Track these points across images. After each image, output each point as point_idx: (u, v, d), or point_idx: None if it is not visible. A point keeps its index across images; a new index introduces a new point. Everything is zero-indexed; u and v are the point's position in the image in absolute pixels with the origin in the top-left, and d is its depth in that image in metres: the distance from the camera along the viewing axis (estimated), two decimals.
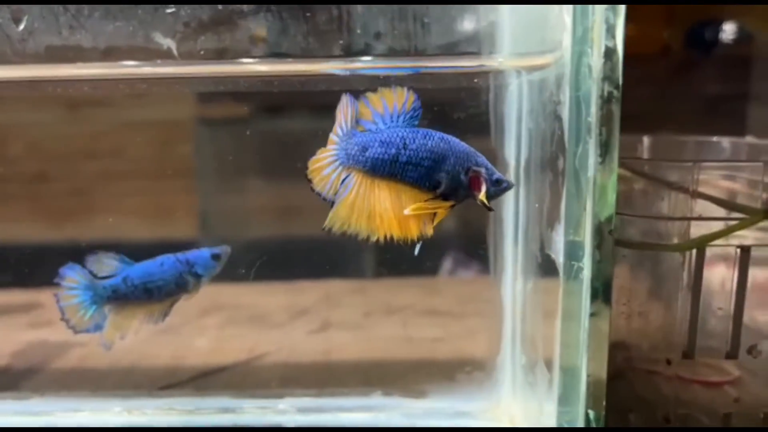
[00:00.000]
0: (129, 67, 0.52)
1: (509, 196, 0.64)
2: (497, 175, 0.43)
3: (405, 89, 0.42)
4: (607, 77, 0.45)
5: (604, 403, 0.49)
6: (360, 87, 0.60)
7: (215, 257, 0.53)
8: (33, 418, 0.68)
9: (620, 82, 0.45)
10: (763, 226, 0.49)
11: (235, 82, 0.59)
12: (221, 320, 0.81)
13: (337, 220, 0.43)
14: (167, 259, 0.52)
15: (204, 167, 0.80)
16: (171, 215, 0.79)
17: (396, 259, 0.73)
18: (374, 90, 0.42)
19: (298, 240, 0.77)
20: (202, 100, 0.75)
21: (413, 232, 0.42)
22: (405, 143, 0.42)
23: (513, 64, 0.54)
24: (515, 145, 0.62)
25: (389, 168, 0.42)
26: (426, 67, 0.53)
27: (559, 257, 0.49)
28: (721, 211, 0.52)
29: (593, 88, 0.45)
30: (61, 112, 0.74)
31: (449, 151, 0.42)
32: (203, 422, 0.67)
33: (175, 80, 0.55)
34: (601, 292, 0.47)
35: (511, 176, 0.62)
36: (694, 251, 0.50)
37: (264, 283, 0.80)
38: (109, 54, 0.51)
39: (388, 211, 0.42)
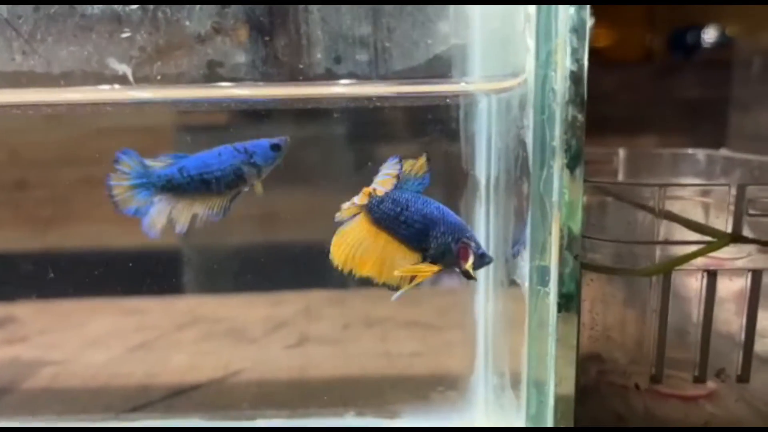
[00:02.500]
0: (90, 92, 0.51)
1: (480, 215, 0.63)
2: (482, 250, 0.47)
3: (425, 159, 0.49)
4: (572, 101, 0.44)
5: (572, 421, 0.49)
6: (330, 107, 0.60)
7: (274, 147, 0.51)
8: None
9: (584, 105, 0.44)
10: (730, 250, 0.49)
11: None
12: (198, 334, 0.80)
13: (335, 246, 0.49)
14: (225, 149, 0.50)
15: None
16: None
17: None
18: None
19: (278, 249, 0.76)
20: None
21: (392, 281, 0.48)
22: (407, 205, 0.48)
23: (479, 87, 0.54)
24: (485, 163, 0.61)
25: (390, 223, 0.48)
26: (395, 93, 0.53)
27: (524, 282, 0.48)
28: (690, 233, 0.51)
29: (557, 112, 0.44)
30: (39, 119, 0.72)
31: (441, 220, 0.48)
32: None
33: (133, 105, 0.54)
34: (569, 317, 0.47)
35: (482, 194, 0.62)
36: (661, 275, 0.50)
37: (243, 295, 0.80)
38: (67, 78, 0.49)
39: (377, 256, 0.49)
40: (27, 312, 0.78)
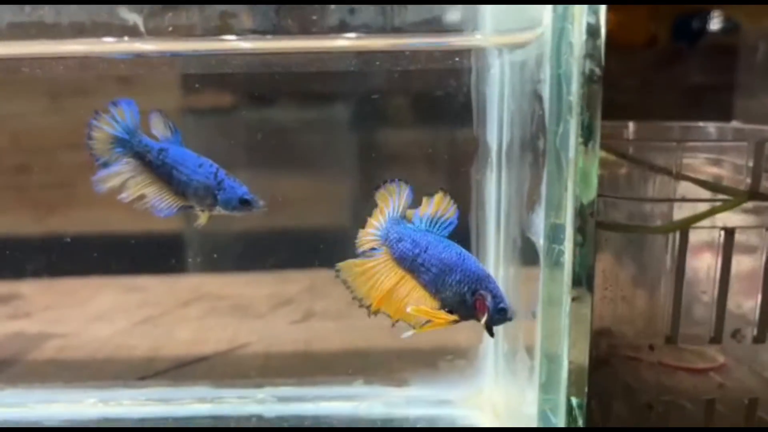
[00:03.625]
0: (105, 44, 0.50)
1: (491, 180, 0.63)
2: (503, 304, 0.44)
3: (452, 201, 0.46)
4: (589, 55, 0.44)
5: (586, 389, 0.48)
6: (339, 65, 0.59)
7: (243, 201, 0.49)
8: (5, 409, 0.66)
9: (602, 59, 0.44)
10: (747, 208, 0.48)
11: (219, 64, 0.58)
12: (202, 311, 0.80)
13: (347, 269, 0.46)
14: (209, 165, 0.49)
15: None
16: None
17: None
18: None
19: (284, 230, 0.75)
20: (185, 87, 0.73)
21: (405, 318, 0.45)
22: (427, 248, 0.45)
23: (493, 41, 0.53)
24: (497, 127, 0.60)
25: (409, 264, 0.45)
26: (406, 45, 0.52)
27: (539, 240, 0.48)
28: (705, 195, 0.51)
29: (574, 66, 0.44)
30: (43, 102, 0.72)
31: (458, 267, 0.45)
32: (181, 412, 0.66)
33: (148, 59, 0.53)
34: (583, 276, 0.46)
35: (493, 160, 0.62)
36: (677, 234, 0.49)
37: (248, 274, 0.79)
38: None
39: (395, 294, 0.46)
40: (31, 290, 0.77)
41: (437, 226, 0.46)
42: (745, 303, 0.52)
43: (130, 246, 0.70)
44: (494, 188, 0.62)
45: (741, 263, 0.50)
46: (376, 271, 0.46)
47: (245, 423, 0.64)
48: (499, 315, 0.44)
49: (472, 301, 0.44)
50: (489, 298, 0.44)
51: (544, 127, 0.47)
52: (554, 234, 0.47)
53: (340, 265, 0.46)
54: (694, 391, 0.58)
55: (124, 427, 0.63)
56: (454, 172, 0.66)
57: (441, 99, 0.63)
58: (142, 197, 0.49)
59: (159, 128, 0.49)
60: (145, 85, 0.68)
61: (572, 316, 0.47)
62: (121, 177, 0.49)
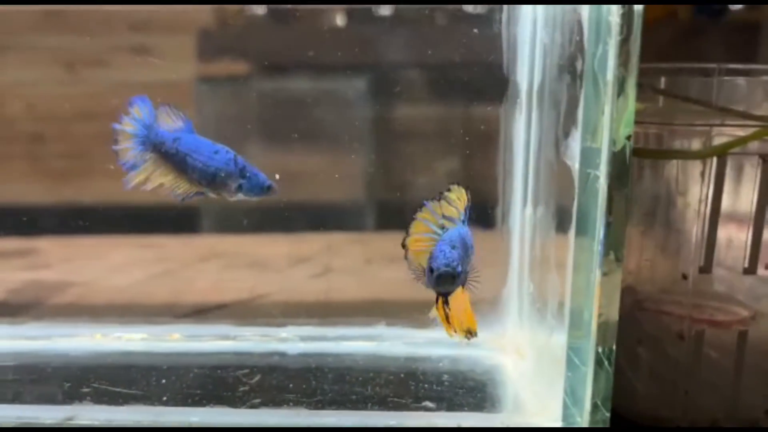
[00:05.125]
0: None
1: (520, 123, 0.63)
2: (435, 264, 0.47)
3: (465, 190, 0.50)
4: None
5: (614, 343, 0.48)
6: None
7: (267, 188, 0.51)
8: (30, 342, 0.67)
9: None
10: None
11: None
12: (220, 265, 0.80)
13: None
14: (225, 151, 0.50)
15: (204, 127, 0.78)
16: None
17: (398, 213, 0.72)
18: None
19: (299, 201, 0.75)
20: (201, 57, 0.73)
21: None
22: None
23: None
24: (528, 67, 0.60)
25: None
26: None
27: (574, 164, 0.48)
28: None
29: None
30: (59, 71, 0.72)
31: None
32: (204, 348, 0.66)
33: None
34: (619, 202, 0.46)
35: (523, 98, 0.61)
36: (714, 162, 0.49)
37: (264, 235, 0.79)
38: None
39: None
40: (49, 245, 0.78)
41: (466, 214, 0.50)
42: None
43: (145, 209, 0.70)
44: (523, 130, 0.62)
45: None
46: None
47: (267, 360, 0.64)
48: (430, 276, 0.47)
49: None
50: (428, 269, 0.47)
51: (583, 51, 0.46)
52: (590, 158, 0.47)
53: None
54: (718, 342, 0.58)
55: (144, 363, 0.63)
56: (484, 113, 0.65)
57: (472, 39, 0.62)
58: (160, 186, 0.51)
59: (169, 121, 0.51)
60: (160, 54, 0.68)
61: (606, 242, 0.46)
62: (146, 172, 0.51)
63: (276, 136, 0.71)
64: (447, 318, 0.51)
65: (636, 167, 0.54)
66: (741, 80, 0.67)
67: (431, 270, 0.47)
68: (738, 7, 1.23)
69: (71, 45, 0.69)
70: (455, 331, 0.52)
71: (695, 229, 0.51)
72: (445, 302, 0.50)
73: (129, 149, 0.50)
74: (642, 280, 0.59)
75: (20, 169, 0.74)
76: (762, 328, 0.57)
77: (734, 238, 0.50)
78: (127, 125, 0.51)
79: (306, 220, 0.74)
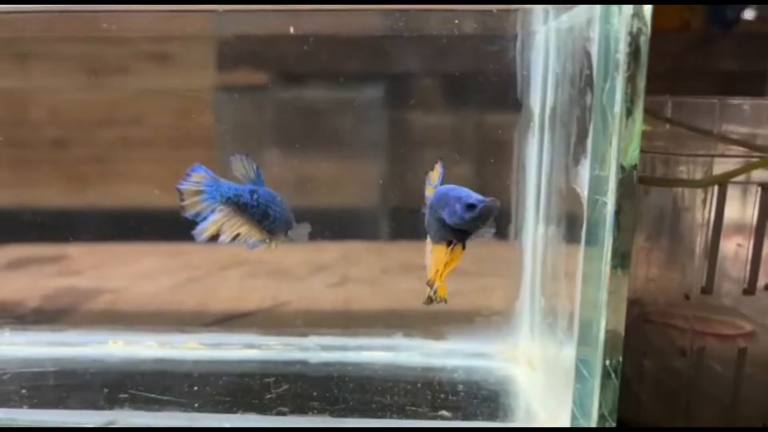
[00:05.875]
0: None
1: (533, 145, 0.66)
2: (471, 199, 0.47)
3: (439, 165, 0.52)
4: (636, 14, 0.46)
5: (621, 345, 0.50)
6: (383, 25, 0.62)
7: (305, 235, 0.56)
8: (69, 348, 0.71)
9: (649, 18, 0.46)
10: None
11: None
12: (243, 273, 0.83)
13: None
14: (283, 201, 0.55)
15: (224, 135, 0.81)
16: None
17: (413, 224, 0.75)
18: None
19: (315, 208, 0.78)
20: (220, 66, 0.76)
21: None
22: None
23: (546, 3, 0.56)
24: (541, 92, 0.63)
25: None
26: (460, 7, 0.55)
27: (583, 191, 0.51)
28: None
29: (622, 25, 0.46)
30: (81, 78, 0.76)
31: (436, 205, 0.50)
32: (230, 356, 0.70)
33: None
34: (625, 226, 0.48)
35: (535, 122, 0.64)
36: (715, 189, 0.52)
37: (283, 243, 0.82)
38: None
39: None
40: (79, 251, 0.81)
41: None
42: None
43: (168, 217, 0.73)
44: (536, 151, 0.65)
45: None
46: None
47: (291, 368, 0.67)
48: (471, 212, 0.46)
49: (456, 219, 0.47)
50: (457, 206, 0.46)
51: (592, 85, 0.49)
52: (598, 186, 0.49)
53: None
54: (720, 353, 0.60)
55: (177, 370, 0.67)
56: (498, 136, 0.68)
57: (487, 64, 0.65)
58: (237, 237, 0.54)
59: (241, 170, 0.54)
60: (180, 63, 0.72)
61: (613, 262, 0.49)
62: (217, 224, 0.53)
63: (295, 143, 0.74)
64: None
65: (642, 189, 0.56)
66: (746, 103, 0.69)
67: (470, 206, 0.46)
68: (750, 17, 1.25)
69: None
70: (434, 286, 0.53)
71: (697, 251, 0.53)
72: (455, 246, 0.49)
73: (197, 202, 0.53)
74: (649, 293, 0.62)
75: (50, 174, 0.78)
76: (763, 342, 0.60)
77: (737, 257, 0.53)
78: (192, 184, 0.53)
79: (323, 228, 0.77)
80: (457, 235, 0.49)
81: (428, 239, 0.53)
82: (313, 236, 0.78)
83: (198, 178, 0.53)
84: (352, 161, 0.76)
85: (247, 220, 0.53)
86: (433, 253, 0.51)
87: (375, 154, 0.74)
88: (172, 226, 0.74)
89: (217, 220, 0.53)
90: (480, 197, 0.47)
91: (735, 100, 0.73)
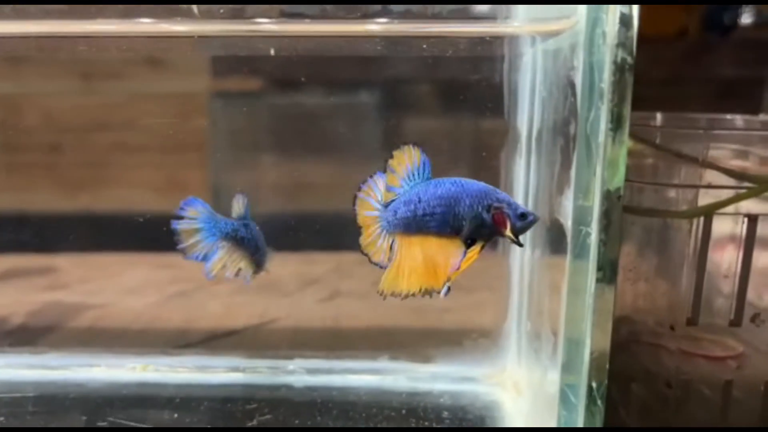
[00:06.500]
0: (145, 24, 0.53)
1: (520, 166, 0.65)
2: (521, 209, 0.43)
3: (411, 146, 0.45)
4: (621, 44, 0.45)
5: (606, 371, 0.50)
6: (376, 47, 0.61)
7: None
8: (50, 371, 0.70)
9: (634, 49, 0.45)
10: None
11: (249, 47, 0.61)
12: (231, 287, 0.82)
13: (386, 284, 0.46)
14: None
15: (217, 141, 0.80)
16: (183, 188, 0.80)
17: None
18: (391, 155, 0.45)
19: (309, 215, 0.77)
20: (215, 72, 0.75)
21: (441, 279, 0.44)
22: (419, 197, 0.44)
23: (529, 29, 0.55)
24: (528, 114, 0.62)
25: (414, 224, 0.44)
26: (443, 31, 0.54)
27: (567, 222, 0.50)
28: (730, 184, 0.52)
29: (607, 55, 0.45)
30: (75, 82, 0.75)
31: (462, 193, 0.44)
32: (214, 380, 0.69)
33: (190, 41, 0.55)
34: (609, 258, 0.48)
35: (522, 146, 0.63)
36: (701, 219, 0.51)
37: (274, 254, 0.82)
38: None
39: (420, 266, 0.45)
40: (67, 263, 0.80)
41: (418, 173, 0.45)
42: (765, 292, 0.53)
43: (158, 225, 0.73)
44: (523, 173, 0.64)
45: (761, 255, 0.52)
46: (402, 261, 0.45)
47: (275, 393, 0.66)
48: (522, 220, 0.43)
49: (490, 218, 0.43)
50: (506, 208, 0.43)
51: (576, 113, 0.48)
52: (582, 216, 0.49)
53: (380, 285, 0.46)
54: (710, 377, 0.60)
55: (159, 395, 0.66)
56: (485, 156, 0.67)
57: (474, 85, 0.64)
58: (239, 272, 0.55)
59: (240, 208, 0.54)
60: (174, 68, 0.70)
61: (597, 297, 0.48)
62: (223, 260, 0.54)
63: (287, 150, 0.73)
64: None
65: (628, 219, 0.56)
66: (738, 120, 0.68)
67: (523, 215, 0.43)
68: (748, 23, 1.24)
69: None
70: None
71: (683, 282, 0.53)
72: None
73: (196, 243, 0.53)
74: (639, 312, 0.61)
75: (41, 179, 0.77)
76: (753, 365, 0.59)
77: (720, 294, 0.52)
78: (190, 224, 0.53)
79: (314, 239, 0.76)
80: (477, 233, 0.44)
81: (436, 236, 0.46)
82: (306, 247, 0.79)
83: (194, 213, 0.53)
84: (343, 169, 0.75)
85: (243, 254, 0.54)
86: (456, 249, 0.45)
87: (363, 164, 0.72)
88: (162, 235, 0.74)
89: (222, 257, 0.53)
90: (524, 207, 0.44)
91: (726, 117, 0.72)
